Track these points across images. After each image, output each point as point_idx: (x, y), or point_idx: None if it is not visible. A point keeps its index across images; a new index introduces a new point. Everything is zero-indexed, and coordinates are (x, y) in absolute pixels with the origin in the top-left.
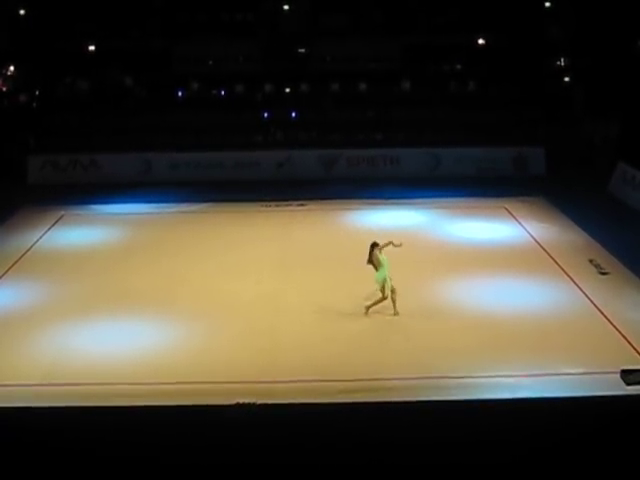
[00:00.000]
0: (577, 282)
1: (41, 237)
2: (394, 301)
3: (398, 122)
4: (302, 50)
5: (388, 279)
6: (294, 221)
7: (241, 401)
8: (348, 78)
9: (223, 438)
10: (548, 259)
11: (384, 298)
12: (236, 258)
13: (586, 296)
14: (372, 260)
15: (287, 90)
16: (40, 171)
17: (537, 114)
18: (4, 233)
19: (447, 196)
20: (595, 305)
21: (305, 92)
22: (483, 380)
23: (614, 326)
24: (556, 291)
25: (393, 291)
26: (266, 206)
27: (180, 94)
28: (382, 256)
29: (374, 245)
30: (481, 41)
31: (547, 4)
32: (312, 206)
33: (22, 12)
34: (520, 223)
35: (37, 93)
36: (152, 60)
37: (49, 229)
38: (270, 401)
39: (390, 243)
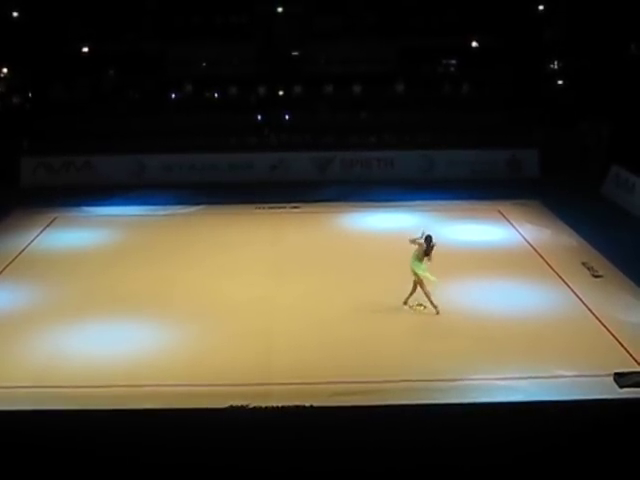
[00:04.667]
0: (570, 285)
1: (34, 239)
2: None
3: (392, 124)
4: (296, 52)
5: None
6: (288, 223)
7: (234, 404)
8: (342, 80)
9: (217, 441)
10: (541, 262)
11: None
12: (230, 260)
13: (579, 299)
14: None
15: (281, 92)
16: (33, 173)
17: (531, 116)
18: None
19: (441, 199)
20: (588, 308)
21: (299, 94)
22: (476, 383)
23: (607, 329)
24: (549, 294)
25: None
26: (260, 208)
27: (174, 96)
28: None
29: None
30: (475, 43)
31: (541, 7)
32: (306, 208)
33: (15, 14)
34: (514, 226)
35: (30, 95)
36: (146, 62)
37: (42, 231)
38: (264, 404)
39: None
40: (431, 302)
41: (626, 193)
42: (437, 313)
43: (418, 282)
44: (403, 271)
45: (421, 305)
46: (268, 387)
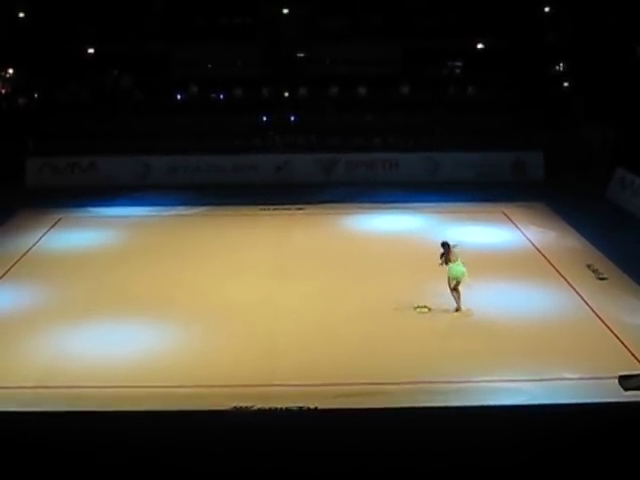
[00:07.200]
0: (575, 287)
1: (39, 240)
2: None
3: (397, 126)
4: (301, 54)
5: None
6: (293, 225)
7: (238, 405)
8: (347, 82)
9: (221, 442)
10: (546, 264)
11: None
12: (234, 262)
13: (584, 301)
14: (447, 257)
15: (286, 94)
16: (38, 174)
17: (536, 119)
18: (2, 236)
19: (445, 201)
20: (593, 310)
21: (304, 96)
22: (481, 385)
23: (612, 331)
24: (554, 296)
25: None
26: (265, 210)
27: (179, 97)
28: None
29: (446, 245)
30: (480, 45)
31: (546, 9)
32: (311, 210)
33: (21, 15)
34: (518, 228)
35: (36, 96)
36: (151, 64)
37: (47, 232)
38: (268, 405)
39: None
40: (459, 302)
41: (631, 195)
42: (456, 310)
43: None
44: (408, 273)
45: (425, 307)
46: (272, 388)
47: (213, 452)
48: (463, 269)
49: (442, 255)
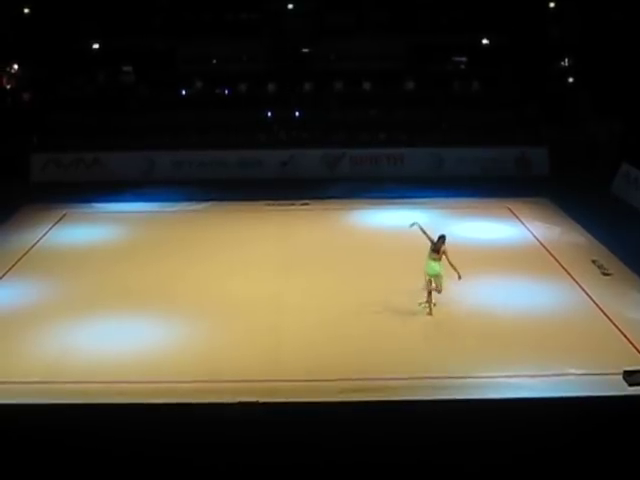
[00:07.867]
0: (580, 283)
1: (44, 235)
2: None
3: (402, 122)
4: (306, 49)
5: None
6: (297, 220)
7: (243, 400)
8: (352, 77)
9: (225, 437)
10: (551, 259)
11: (437, 290)
12: (239, 257)
13: (589, 297)
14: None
15: (291, 89)
16: (43, 169)
17: (540, 114)
18: (7, 231)
19: (450, 196)
20: (598, 306)
21: (309, 91)
22: (485, 380)
23: (616, 327)
24: (559, 291)
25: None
26: (269, 205)
27: (184, 93)
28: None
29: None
30: (485, 41)
31: (551, 4)
32: (315, 205)
33: (26, 10)
34: (523, 223)
35: (40, 91)
36: (156, 59)
37: (52, 227)
38: (272, 400)
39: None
40: (428, 301)
41: (636, 191)
42: (428, 313)
43: (428, 281)
44: (412, 268)
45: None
46: (277, 383)
47: (217, 446)
48: (439, 270)
49: (433, 242)
